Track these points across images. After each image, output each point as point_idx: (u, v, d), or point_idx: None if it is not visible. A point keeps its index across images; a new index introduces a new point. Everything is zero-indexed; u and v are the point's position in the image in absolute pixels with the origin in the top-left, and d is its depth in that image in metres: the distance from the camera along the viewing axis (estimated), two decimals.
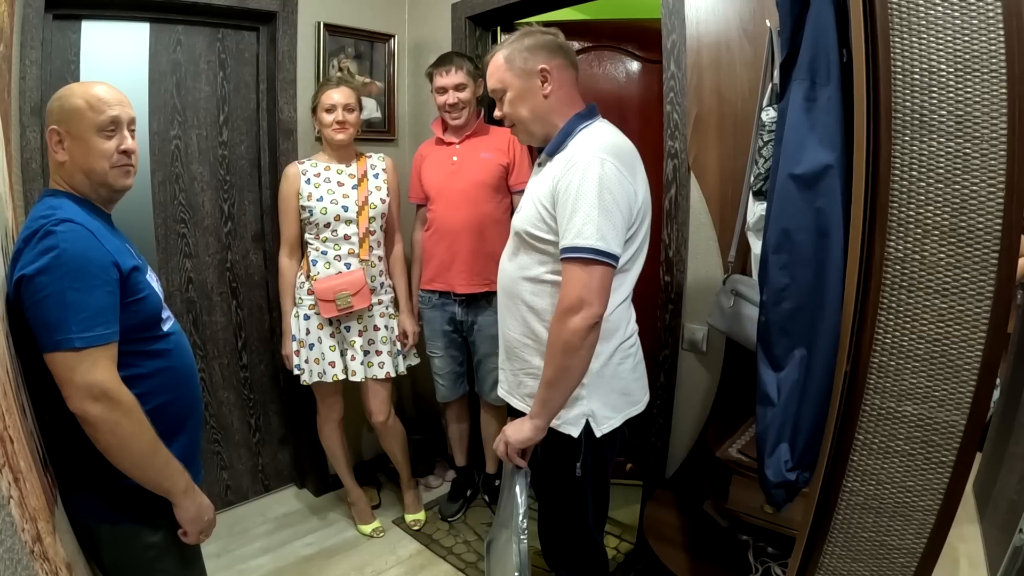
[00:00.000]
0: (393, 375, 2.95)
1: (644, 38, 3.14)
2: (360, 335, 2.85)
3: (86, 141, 1.49)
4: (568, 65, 1.86)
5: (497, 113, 1.91)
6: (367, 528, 3.16)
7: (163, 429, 1.50)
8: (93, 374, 1.35)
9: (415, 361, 3.12)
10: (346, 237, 2.78)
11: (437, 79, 2.84)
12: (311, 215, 2.75)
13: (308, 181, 2.77)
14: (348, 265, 2.79)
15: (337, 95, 2.70)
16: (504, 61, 1.83)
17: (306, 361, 2.85)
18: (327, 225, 2.76)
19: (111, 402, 1.37)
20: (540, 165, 1.93)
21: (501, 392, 2.07)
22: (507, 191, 2.93)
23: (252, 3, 2.93)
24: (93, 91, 1.51)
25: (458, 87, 2.82)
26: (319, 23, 3.14)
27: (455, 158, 2.92)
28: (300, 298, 2.84)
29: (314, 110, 2.78)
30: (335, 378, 2.85)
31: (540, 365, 1.84)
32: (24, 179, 2.26)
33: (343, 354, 2.87)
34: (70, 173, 1.51)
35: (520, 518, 1.94)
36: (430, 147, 3.06)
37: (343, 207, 2.76)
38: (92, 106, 1.48)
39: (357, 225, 2.79)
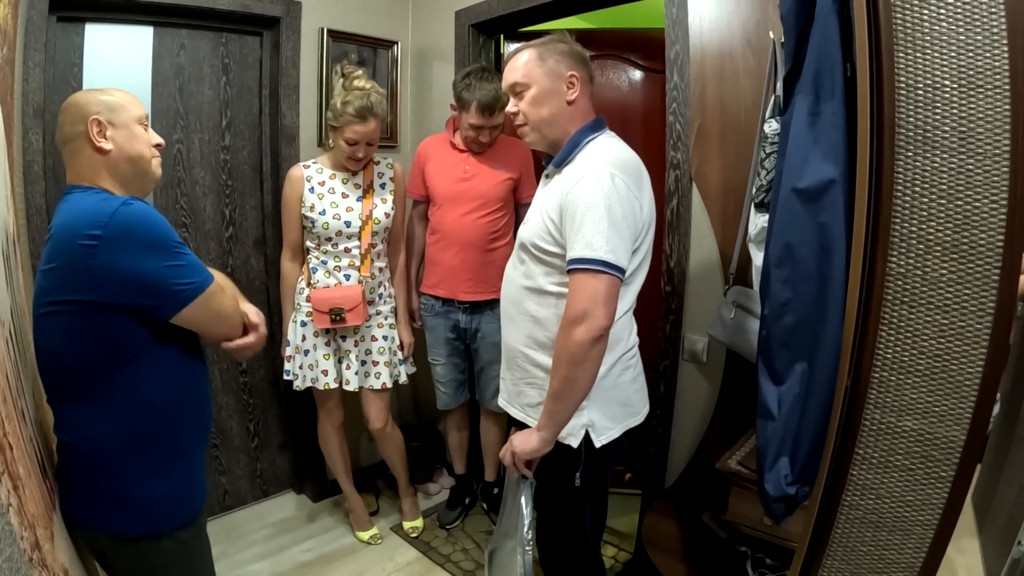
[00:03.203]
0: (389, 386, 2.93)
1: (648, 47, 3.14)
2: (356, 345, 2.85)
3: (131, 129, 1.55)
4: (589, 80, 1.88)
5: (511, 108, 1.87)
6: (365, 535, 3.16)
7: (180, 433, 1.61)
8: (224, 298, 1.58)
9: (412, 370, 3.10)
10: (347, 250, 2.76)
11: (479, 118, 2.74)
12: (313, 226, 2.72)
13: (312, 190, 2.72)
14: (348, 277, 2.77)
15: (364, 129, 2.58)
16: (536, 57, 1.82)
17: (300, 367, 2.84)
18: (328, 239, 2.74)
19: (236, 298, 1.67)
20: (547, 176, 1.93)
21: (501, 401, 2.07)
22: (512, 203, 2.93)
23: (256, 8, 2.93)
24: (122, 92, 1.59)
25: (493, 128, 2.80)
26: (323, 29, 3.14)
27: (467, 167, 2.89)
28: (299, 304, 2.83)
29: (333, 127, 2.64)
30: (326, 386, 2.83)
31: (541, 375, 1.86)
32: (26, 181, 2.26)
33: (339, 362, 2.86)
34: (114, 163, 1.53)
35: (525, 529, 1.94)
36: (438, 146, 3.01)
37: (346, 222, 2.72)
38: (130, 101, 1.58)
39: (359, 240, 2.76)
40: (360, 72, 2.70)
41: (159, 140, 1.64)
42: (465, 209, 2.87)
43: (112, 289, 1.39)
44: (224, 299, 1.58)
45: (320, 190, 2.74)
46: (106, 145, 1.51)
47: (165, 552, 1.58)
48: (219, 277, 1.59)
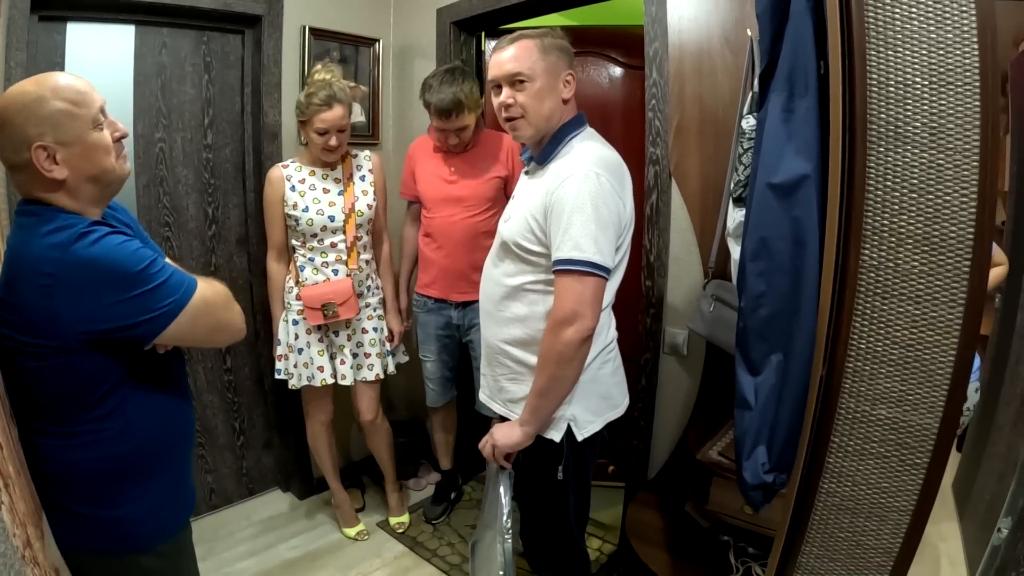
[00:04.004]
0: (383, 376, 2.96)
1: (628, 45, 3.16)
2: (349, 339, 2.86)
3: (85, 143, 1.33)
4: (575, 77, 1.87)
5: (504, 99, 1.82)
6: (351, 531, 3.17)
7: (159, 455, 1.53)
8: (215, 309, 1.48)
9: (404, 359, 3.13)
10: (333, 245, 2.77)
11: (438, 121, 2.75)
12: (297, 224, 2.73)
13: (293, 188, 2.73)
14: (336, 272, 2.78)
15: (331, 116, 2.62)
16: (539, 50, 1.78)
17: (295, 366, 2.84)
18: (314, 235, 2.75)
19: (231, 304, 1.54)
20: (528, 174, 1.94)
21: (482, 396, 2.09)
22: (503, 200, 2.93)
23: (238, 6, 2.93)
24: (65, 85, 1.33)
25: (459, 130, 2.78)
26: (304, 27, 3.14)
27: (452, 169, 2.88)
28: (289, 303, 2.83)
29: (303, 122, 2.69)
30: (324, 383, 2.84)
31: (523, 371, 1.88)
32: (7, 182, 2.25)
33: (332, 358, 2.87)
34: (73, 189, 1.35)
35: (504, 518, 1.96)
36: (424, 148, 3.00)
37: (330, 217, 2.73)
38: (78, 103, 1.32)
39: (344, 233, 2.77)
40: (319, 67, 2.75)
41: (121, 130, 1.43)
42: (453, 211, 2.86)
43: (76, 333, 1.29)
44: (215, 310, 1.48)
45: (301, 187, 2.74)
46: (59, 175, 1.31)
47: (147, 569, 1.53)
48: (207, 286, 1.47)
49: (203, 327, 1.47)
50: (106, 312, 1.31)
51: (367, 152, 2.96)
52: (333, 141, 2.66)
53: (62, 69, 2.60)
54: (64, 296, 1.27)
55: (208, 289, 1.47)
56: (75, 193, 1.36)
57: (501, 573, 1.99)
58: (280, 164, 2.81)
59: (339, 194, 2.78)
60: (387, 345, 2.99)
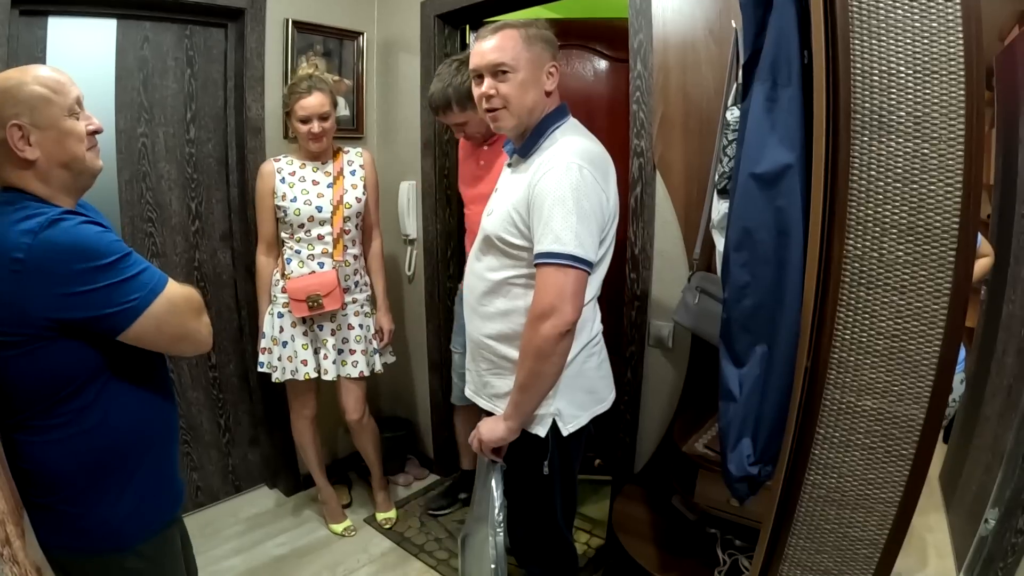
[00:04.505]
0: (367, 374, 2.94)
1: (612, 37, 3.15)
2: (333, 334, 2.85)
3: (58, 128, 1.36)
4: (558, 69, 1.85)
5: (489, 90, 1.78)
6: (338, 527, 3.16)
7: (138, 451, 1.50)
8: (177, 315, 1.44)
9: (391, 359, 3.12)
10: (320, 237, 2.77)
11: (438, 117, 2.73)
12: (285, 215, 2.73)
13: (283, 180, 2.75)
14: (322, 264, 2.77)
15: (311, 102, 2.64)
16: (523, 41, 1.76)
17: (279, 359, 2.83)
18: (301, 226, 2.74)
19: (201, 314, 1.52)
20: (510, 166, 1.93)
21: (468, 392, 2.07)
22: None
23: None
24: (45, 74, 1.37)
25: (459, 125, 2.71)
26: (287, 20, 3.11)
27: (482, 162, 2.81)
28: (275, 296, 2.82)
29: (287, 114, 2.72)
30: (307, 376, 2.83)
31: (506, 366, 1.87)
32: None
33: (316, 352, 2.86)
34: (44, 172, 1.36)
35: (496, 511, 1.96)
36: (464, 143, 2.93)
37: (317, 207, 2.74)
38: (55, 90, 1.36)
39: (331, 225, 2.77)
40: (304, 63, 2.78)
41: (96, 125, 1.45)
42: (481, 206, 2.77)
43: (43, 320, 1.28)
44: (182, 317, 1.46)
45: (291, 179, 2.76)
46: (30, 155, 1.33)
47: (130, 570, 1.51)
48: (178, 290, 1.46)
49: (168, 331, 1.44)
50: (71, 300, 1.29)
51: (359, 149, 2.96)
52: (316, 128, 2.67)
53: (43, 63, 2.57)
54: (31, 281, 1.26)
55: (179, 293, 1.45)
56: (46, 178, 1.36)
57: (493, 567, 1.99)
58: (272, 158, 2.82)
59: (328, 186, 2.79)
60: (373, 343, 2.97)
